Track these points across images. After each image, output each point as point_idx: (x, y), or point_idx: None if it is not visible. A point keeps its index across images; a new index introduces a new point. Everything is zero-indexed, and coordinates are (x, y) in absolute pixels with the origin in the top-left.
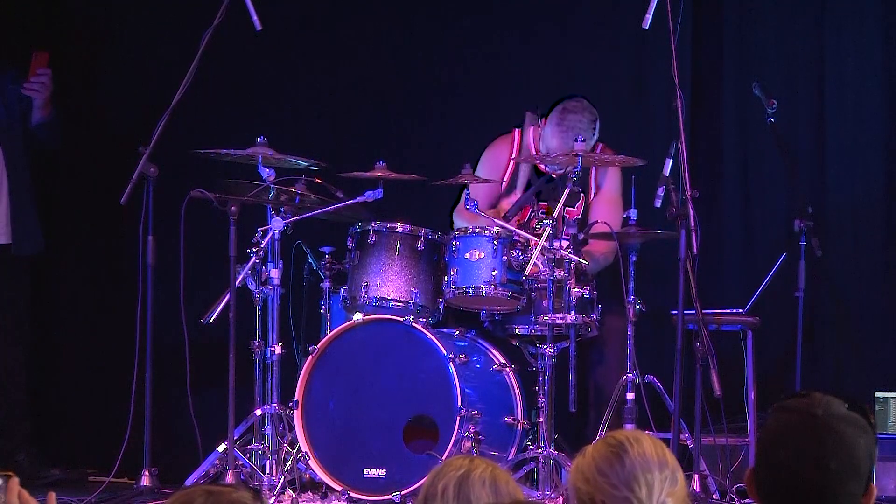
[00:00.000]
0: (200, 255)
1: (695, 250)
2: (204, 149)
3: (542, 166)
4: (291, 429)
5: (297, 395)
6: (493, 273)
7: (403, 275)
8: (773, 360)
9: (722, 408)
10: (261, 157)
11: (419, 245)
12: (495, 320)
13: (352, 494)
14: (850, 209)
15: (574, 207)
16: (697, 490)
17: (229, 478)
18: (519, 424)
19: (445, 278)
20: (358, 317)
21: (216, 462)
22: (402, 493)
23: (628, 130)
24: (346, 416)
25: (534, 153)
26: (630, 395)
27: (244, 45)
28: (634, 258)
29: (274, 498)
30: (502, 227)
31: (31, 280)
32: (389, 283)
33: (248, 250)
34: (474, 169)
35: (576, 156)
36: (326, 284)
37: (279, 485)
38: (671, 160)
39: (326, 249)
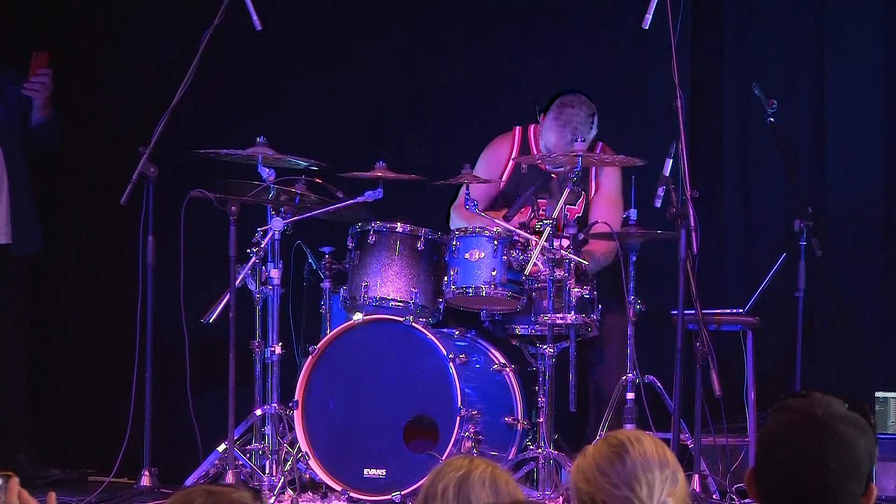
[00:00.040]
0: (200, 255)
1: (695, 250)
2: (204, 149)
3: (544, 166)
4: (291, 429)
5: (297, 395)
6: (493, 273)
7: (403, 275)
8: (773, 360)
9: (722, 408)
10: (261, 157)
11: (419, 245)
12: (495, 320)
13: (352, 494)
14: (850, 209)
15: (575, 206)
16: (697, 490)
17: (229, 478)
18: (519, 424)
19: (445, 278)
20: (358, 317)
21: (216, 462)
22: (402, 493)
23: (628, 130)
24: (346, 416)
25: (534, 152)
26: (630, 395)
27: (244, 45)
28: (634, 258)
29: (274, 498)
30: (502, 227)
31: (31, 280)
32: (389, 283)
33: (248, 250)
34: (474, 168)
35: (576, 156)
36: (326, 284)
37: (279, 485)
38: (671, 160)
39: (326, 249)
